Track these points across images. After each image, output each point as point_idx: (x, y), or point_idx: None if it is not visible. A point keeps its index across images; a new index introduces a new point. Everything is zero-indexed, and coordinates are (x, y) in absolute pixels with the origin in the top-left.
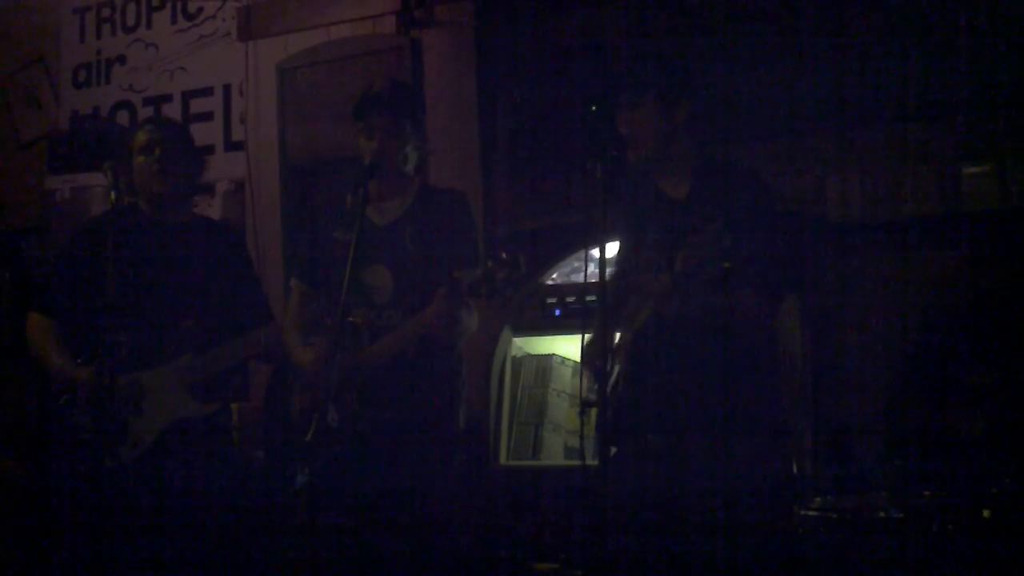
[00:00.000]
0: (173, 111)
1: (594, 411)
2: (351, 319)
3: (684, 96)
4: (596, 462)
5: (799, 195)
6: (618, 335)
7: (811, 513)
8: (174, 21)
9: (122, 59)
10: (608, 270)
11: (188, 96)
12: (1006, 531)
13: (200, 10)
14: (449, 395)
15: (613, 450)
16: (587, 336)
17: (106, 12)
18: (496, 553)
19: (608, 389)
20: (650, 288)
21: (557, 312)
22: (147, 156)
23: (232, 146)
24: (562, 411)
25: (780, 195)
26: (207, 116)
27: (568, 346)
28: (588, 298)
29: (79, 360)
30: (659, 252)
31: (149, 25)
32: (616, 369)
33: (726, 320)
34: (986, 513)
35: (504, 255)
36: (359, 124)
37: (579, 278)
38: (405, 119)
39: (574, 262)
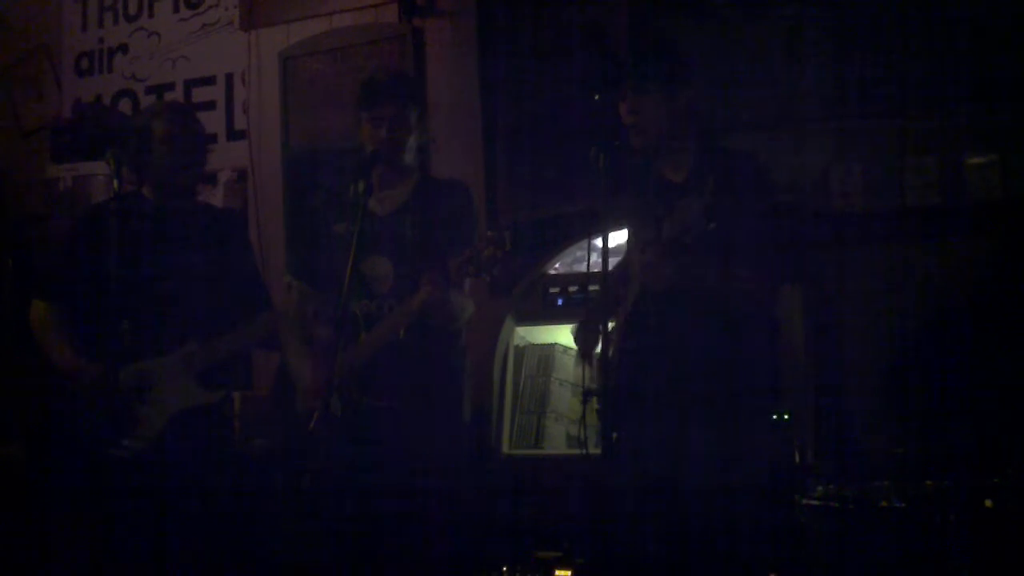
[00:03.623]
0: (175, 100)
1: (595, 399)
2: (353, 311)
3: (687, 84)
4: (598, 450)
5: (801, 185)
6: (611, 322)
7: (813, 502)
8: (176, 10)
9: (124, 48)
10: (611, 259)
11: (190, 85)
12: (1008, 520)
13: None
14: (452, 388)
15: (615, 435)
16: (579, 323)
17: (108, 0)
18: (498, 542)
19: (608, 374)
20: (636, 264)
21: (559, 301)
22: (168, 146)
23: (234, 135)
24: (564, 400)
25: (782, 184)
26: (209, 105)
27: (570, 336)
28: (591, 287)
29: (82, 348)
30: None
31: (151, 14)
32: (611, 353)
33: (720, 298)
34: (988, 502)
35: (490, 232)
36: (365, 113)
37: (582, 267)
38: (412, 109)
39: (576, 251)
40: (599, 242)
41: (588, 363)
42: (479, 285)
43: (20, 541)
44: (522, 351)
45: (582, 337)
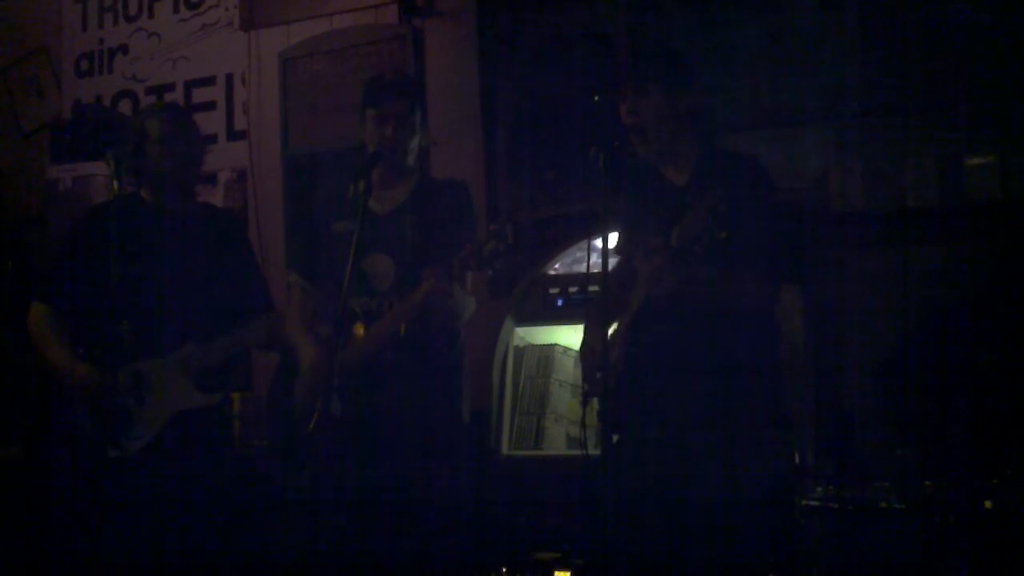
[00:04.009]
0: (175, 100)
1: (595, 400)
2: (353, 308)
3: (688, 85)
4: (598, 452)
5: (800, 185)
6: (614, 325)
7: (813, 503)
8: (176, 10)
9: (124, 48)
10: (611, 259)
11: (191, 85)
12: (1008, 521)
13: None
14: (452, 388)
15: (615, 437)
16: (583, 330)
17: (108, 1)
18: (497, 542)
19: (609, 377)
20: (643, 268)
21: (559, 302)
22: (163, 146)
23: (234, 135)
24: (564, 401)
25: (781, 185)
26: (210, 105)
27: (570, 336)
28: (591, 287)
29: (81, 350)
30: (659, 236)
31: (151, 14)
32: (614, 356)
33: (724, 300)
34: (987, 504)
35: (492, 226)
36: (371, 110)
37: (581, 268)
38: (416, 110)
39: (576, 252)
40: (599, 243)
41: (591, 372)
42: (480, 284)
43: (20, 541)
44: (522, 352)
45: (588, 350)
